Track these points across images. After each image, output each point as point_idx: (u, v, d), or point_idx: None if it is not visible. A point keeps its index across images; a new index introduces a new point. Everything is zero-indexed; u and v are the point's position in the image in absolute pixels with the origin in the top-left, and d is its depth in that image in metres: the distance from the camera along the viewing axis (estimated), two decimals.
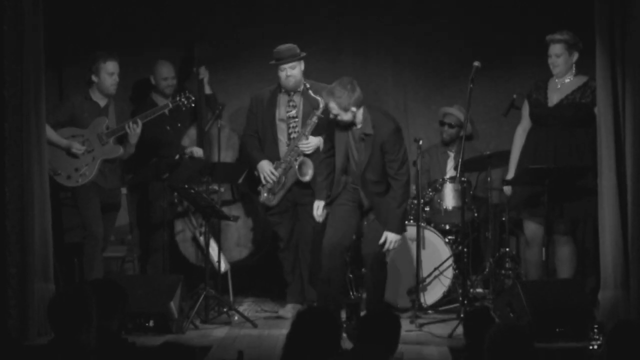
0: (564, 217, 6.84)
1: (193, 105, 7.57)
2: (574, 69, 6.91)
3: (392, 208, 6.52)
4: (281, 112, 7.37)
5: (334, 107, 6.50)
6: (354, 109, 6.48)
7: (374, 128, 6.52)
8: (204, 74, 7.80)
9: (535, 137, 6.94)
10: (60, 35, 7.84)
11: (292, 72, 7.26)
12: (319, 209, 6.80)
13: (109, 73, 7.28)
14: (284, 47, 7.28)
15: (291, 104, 7.36)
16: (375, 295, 6.65)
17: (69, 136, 7.25)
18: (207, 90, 7.82)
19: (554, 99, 6.90)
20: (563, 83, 6.91)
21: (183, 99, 7.50)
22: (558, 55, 6.86)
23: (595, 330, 5.55)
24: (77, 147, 7.22)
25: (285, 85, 7.32)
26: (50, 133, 7.00)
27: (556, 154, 6.83)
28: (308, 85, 7.24)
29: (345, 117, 6.51)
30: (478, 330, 4.46)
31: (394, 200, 6.52)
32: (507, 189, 7.08)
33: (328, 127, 6.82)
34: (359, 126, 6.57)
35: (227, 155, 7.66)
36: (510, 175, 7.04)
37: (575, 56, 6.87)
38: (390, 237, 6.54)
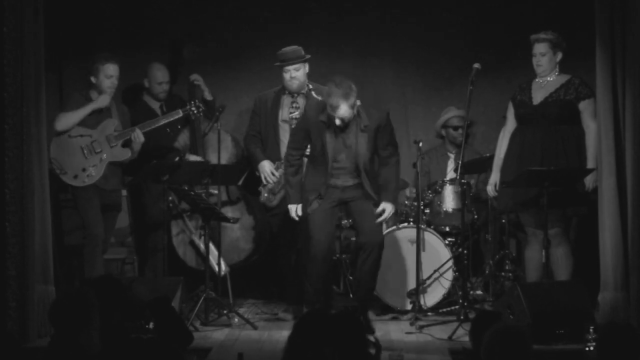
0: (556, 209, 6.81)
1: (201, 114, 7.56)
2: (557, 68, 6.92)
3: (392, 180, 6.72)
4: (284, 113, 7.37)
5: (346, 110, 6.44)
6: (357, 104, 6.50)
7: (369, 118, 6.56)
8: (197, 79, 7.75)
9: (521, 137, 6.92)
10: (60, 36, 7.83)
11: (296, 73, 7.25)
12: (297, 210, 6.80)
13: (108, 76, 7.27)
14: (289, 48, 7.28)
15: (294, 105, 7.36)
16: (369, 283, 6.72)
17: (77, 135, 7.24)
18: (208, 96, 7.76)
19: (538, 97, 6.90)
20: (546, 82, 6.91)
21: (193, 108, 7.51)
22: (543, 53, 6.87)
23: (592, 331, 5.55)
24: (102, 98, 7.24)
25: (289, 86, 7.31)
26: (75, 113, 7.12)
27: (543, 153, 6.82)
28: (311, 87, 7.26)
29: (349, 115, 6.47)
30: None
31: (392, 174, 6.72)
32: (490, 190, 7.06)
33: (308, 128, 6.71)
34: (352, 119, 6.53)
35: (221, 157, 7.60)
36: (495, 178, 7.02)
37: (559, 56, 6.88)
38: (388, 208, 6.69)
